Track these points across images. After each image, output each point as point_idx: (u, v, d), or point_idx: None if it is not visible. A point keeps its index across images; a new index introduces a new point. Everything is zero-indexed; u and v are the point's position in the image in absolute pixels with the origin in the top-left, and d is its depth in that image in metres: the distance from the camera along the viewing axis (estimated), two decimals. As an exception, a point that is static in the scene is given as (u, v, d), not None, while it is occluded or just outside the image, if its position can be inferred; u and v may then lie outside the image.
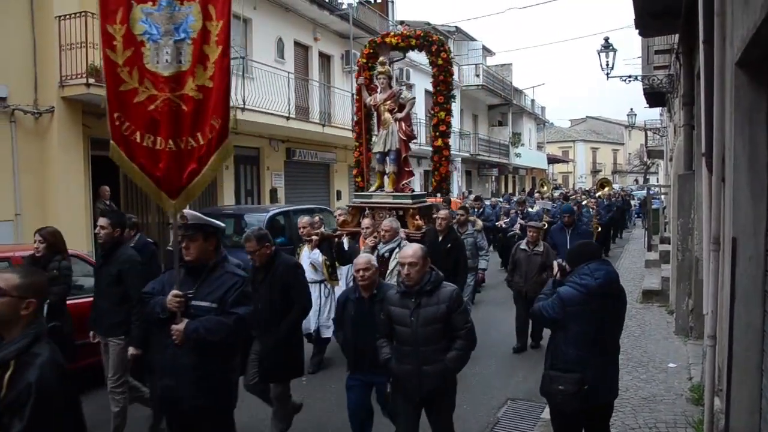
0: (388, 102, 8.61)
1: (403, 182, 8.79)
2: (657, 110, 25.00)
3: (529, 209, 13.93)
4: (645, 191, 25.35)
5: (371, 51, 9.69)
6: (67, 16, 10.64)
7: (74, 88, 10.68)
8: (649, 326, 9.24)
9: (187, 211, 3.93)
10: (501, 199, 21.92)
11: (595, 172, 61.70)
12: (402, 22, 20.38)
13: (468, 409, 6.27)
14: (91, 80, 10.49)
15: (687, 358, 7.41)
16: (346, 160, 20.05)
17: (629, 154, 64.03)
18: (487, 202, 18.35)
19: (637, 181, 54.23)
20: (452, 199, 19.96)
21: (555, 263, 4.64)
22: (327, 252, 7.47)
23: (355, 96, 9.95)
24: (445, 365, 4.20)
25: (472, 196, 18.46)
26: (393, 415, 4.68)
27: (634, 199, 32.01)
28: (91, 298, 5.81)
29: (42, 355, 2.51)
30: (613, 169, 66.10)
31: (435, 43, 9.39)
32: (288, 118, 15.50)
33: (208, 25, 3.81)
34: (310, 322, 7.17)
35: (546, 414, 5.91)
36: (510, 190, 40.35)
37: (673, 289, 9.89)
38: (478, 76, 32.36)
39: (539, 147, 49.18)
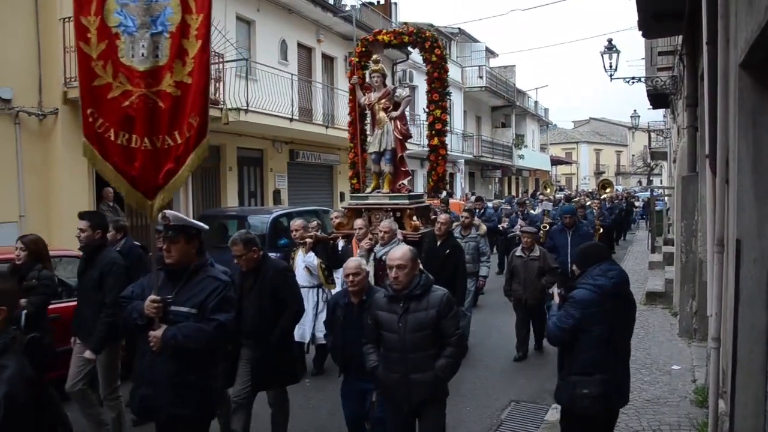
0: (383, 101, 8.45)
1: (400, 182, 8.62)
2: (660, 112, 24.97)
3: (531, 211, 13.74)
4: (648, 193, 25.32)
5: (364, 49, 9.51)
6: (71, 18, 10.64)
7: (78, 90, 10.70)
8: (652, 328, 9.22)
9: (168, 211, 3.79)
10: (503, 201, 21.73)
11: (598, 173, 61.61)
12: (405, 24, 20.38)
13: (471, 411, 6.27)
14: (95, 82, 10.50)
15: (691, 360, 7.39)
16: (349, 161, 20.07)
17: (633, 155, 63.95)
18: (489, 204, 18.32)
19: (640, 182, 54.18)
20: (455, 200, 20.03)
21: (555, 293, 4.50)
22: (322, 255, 7.25)
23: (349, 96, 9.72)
24: (435, 374, 4.00)
25: (473, 198, 18.43)
26: (374, 426, 4.54)
27: (638, 200, 31.92)
28: None
29: (9, 368, 2.44)
30: (616, 170, 66.03)
31: (428, 39, 9.19)
32: (291, 120, 15.51)
33: (187, 18, 3.65)
34: (305, 332, 7.01)
35: (550, 416, 5.92)
36: (513, 192, 40.35)
37: (677, 291, 9.86)
38: (481, 77, 32.38)
39: (542, 149, 49.18)
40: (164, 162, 3.70)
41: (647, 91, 15.41)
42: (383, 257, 6.49)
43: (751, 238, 3.51)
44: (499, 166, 37.17)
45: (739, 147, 3.62)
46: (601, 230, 13.43)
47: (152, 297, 3.61)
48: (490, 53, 36.36)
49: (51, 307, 5.46)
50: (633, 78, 15.30)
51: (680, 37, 8.96)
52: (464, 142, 31.10)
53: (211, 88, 13.32)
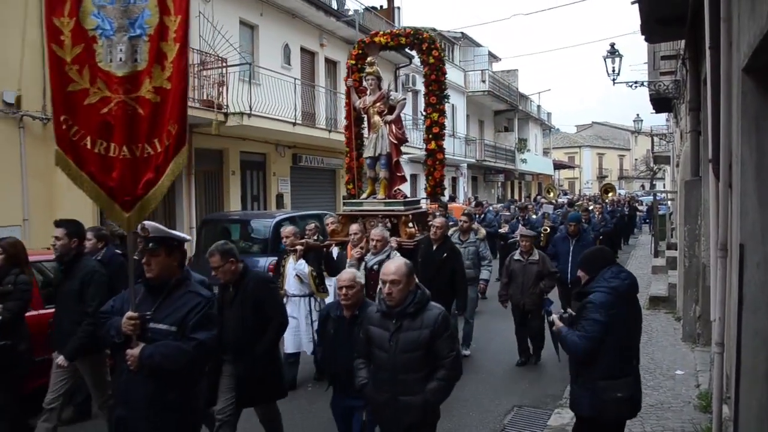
0: (378, 104, 8.21)
1: (396, 188, 8.42)
2: (663, 116, 24.96)
3: (533, 216, 13.57)
4: (651, 197, 25.29)
5: (360, 52, 9.26)
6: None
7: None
8: (656, 333, 9.19)
9: (148, 222, 3.62)
10: (501, 206, 21.54)
11: (601, 177, 61.61)
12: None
13: (474, 416, 6.26)
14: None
15: (694, 365, 7.36)
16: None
17: (635, 159, 63.96)
18: (491, 208, 18.26)
19: (643, 186, 54.14)
20: (457, 205, 20.01)
21: (555, 319, 4.34)
22: (314, 263, 6.97)
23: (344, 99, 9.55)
24: (425, 397, 3.75)
25: (474, 203, 18.37)
26: None
27: (641, 204, 31.85)
28: None
29: None
30: (619, 174, 66.00)
31: (425, 41, 8.93)
32: (294, 124, 15.52)
33: (165, 20, 3.47)
34: (301, 341, 6.85)
35: (553, 421, 5.91)
36: (516, 196, 40.33)
37: (680, 295, 9.84)
38: (484, 81, 32.41)
39: (545, 153, 49.18)
40: (143, 172, 3.52)
41: (650, 95, 15.44)
42: (374, 266, 6.34)
43: (755, 243, 3.50)
44: (502, 171, 37.18)
45: (742, 151, 3.62)
46: (601, 237, 13.23)
47: (129, 314, 3.43)
48: (492, 57, 36.38)
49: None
50: (636, 82, 15.35)
51: (683, 41, 8.95)
52: (467, 147, 31.11)
53: (215, 93, 13.54)
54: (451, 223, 9.47)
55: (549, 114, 49.12)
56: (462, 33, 31.88)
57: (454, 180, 31.60)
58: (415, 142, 17.91)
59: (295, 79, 16.27)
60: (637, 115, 29.37)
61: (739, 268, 3.69)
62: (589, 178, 63.82)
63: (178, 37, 3.48)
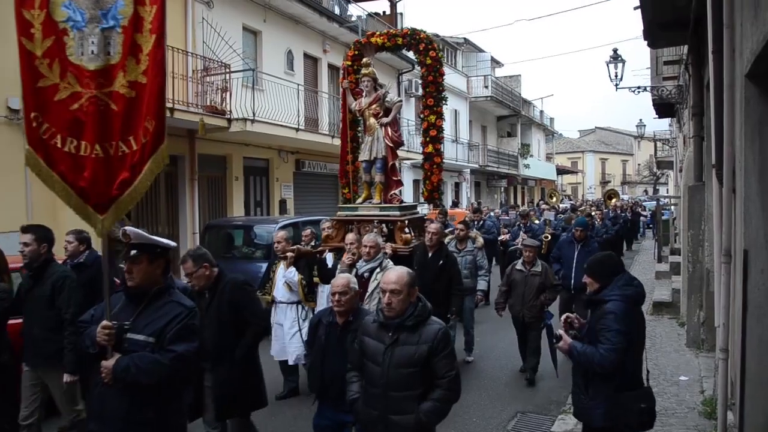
0: (373, 106, 8.00)
1: (392, 192, 8.19)
2: (666, 121, 24.94)
3: (535, 222, 13.28)
4: (655, 202, 25.25)
5: (356, 53, 9.01)
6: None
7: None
8: (659, 338, 9.17)
9: (130, 228, 3.46)
10: (500, 211, 21.29)
11: (604, 182, 61.56)
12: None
13: (478, 422, 6.25)
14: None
15: (699, 371, 7.34)
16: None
17: (639, 164, 63.88)
18: (492, 214, 18.09)
19: (646, 191, 54.05)
20: (460, 210, 19.99)
21: (562, 334, 4.11)
22: (304, 270, 6.76)
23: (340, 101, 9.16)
24: (418, 418, 3.48)
25: (472, 209, 18.15)
26: None
27: (645, 210, 31.78)
28: None
29: None
30: (622, 179, 65.95)
31: (423, 41, 8.64)
32: (297, 130, 15.55)
33: (140, 10, 3.29)
34: (285, 349, 6.72)
35: (557, 427, 5.89)
36: (519, 202, 40.32)
37: (684, 301, 9.82)
38: (486, 87, 32.44)
39: (548, 158, 49.17)
40: (118, 171, 3.33)
41: (653, 100, 15.42)
42: (365, 274, 6.20)
43: (759, 249, 3.50)
44: (505, 176, 37.17)
45: (745, 157, 3.62)
46: (603, 243, 13.09)
47: (104, 323, 3.26)
48: (495, 63, 36.45)
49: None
50: (639, 87, 15.33)
51: (685, 46, 8.96)
52: (470, 152, 31.12)
53: (218, 98, 13.58)
54: (447, 230, 9.18)
55: (552, 119, 49.12)
56: (465, 39, 31.94)
57: (457, 185, 31.61)
58: (418, 147, 17.92)
59: (298, 84, 16.31)
60: (640, 120, 29.29)
61: (743, 274, 3.69)
62: (592, 184, 63.78)
63: (154, 28, 3.31)
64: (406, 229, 7.70)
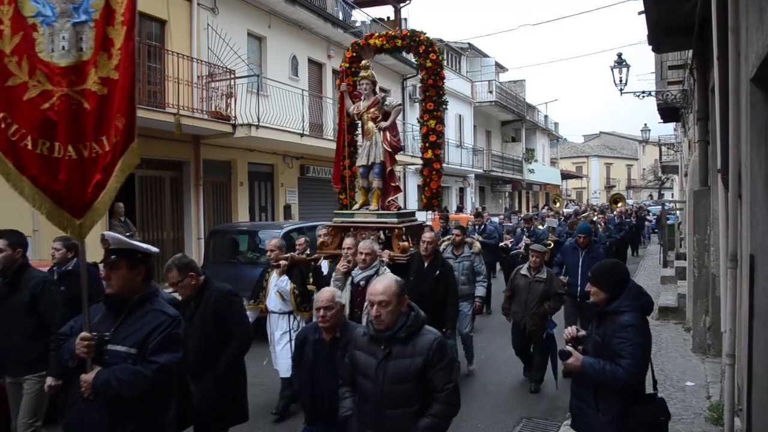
0: (372, 110, 7.73)
1: (390, 199, 7.94)
2: (671, 125, 24.92)
3: (539, 227, 13.09)
4: (660, 207, 25.20)
5: (354, 54, 8.75)
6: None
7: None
8: (665, 344, 9.12)
9: (107, 233, 3.29)
10: (502, 216, 21.08)
11: (609, 187, 61.48)
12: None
13: (483, 428, 6.23)
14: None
15: (705, 377, 7.30)
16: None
17: (643, 169, 63.83)
18: (496, 219, 17.94)
19: (651, 196, 53.96)
20: (464, 215, 19.96)
21: (571, 350, 3.83)
22: (298, 279, 6.51)
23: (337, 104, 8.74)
24: None
25: (473, 214, 18.02)
26: None
27: (649, 214, 31.69)
28: None
29: None
30: (627, 184, 65.86)
31: (423, 43, 8.37)
32: (302, 135, 15.58)
33: (111, 2, 3.12)
34: (275, 360, 6.56)
35: (562, 433, 5.85)
36: (524, 207, 40.29)
37: (689, 306, 9.78)
38: (491, 92, 32.46)
39: (553, 163, 49.13)
40: (92, 173, 3.15)
41: (657, 105, 15.41)
42: (361, 282, 5.97)
43: (765, 254, 3.48)
44: (510, 181, 37.15)
45: (751, 161, 3.61)
46: (609, 246, 13.01)
47: (83, 334, 3.10)
48: (499, 68, 36.47)
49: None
50: (643, 92, 15.33)
51: (690, 51, 8.95)
52: (474, 157, 31.12)
53: (223, 104, 13.63)
54: (445, 237, 9.03)
55: (556, 124, 49.13)
56: (469, 44, 31.97)
57: (462, 191, 31.60)
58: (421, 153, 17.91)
59: (302, 90, 16.34)
60: (645, 124, 29.37)
61: (749, 279, 3.67)
62: (597, 188, 63.71)
63: (125, 19, 3.14)
64: (404, 237, 7.45)
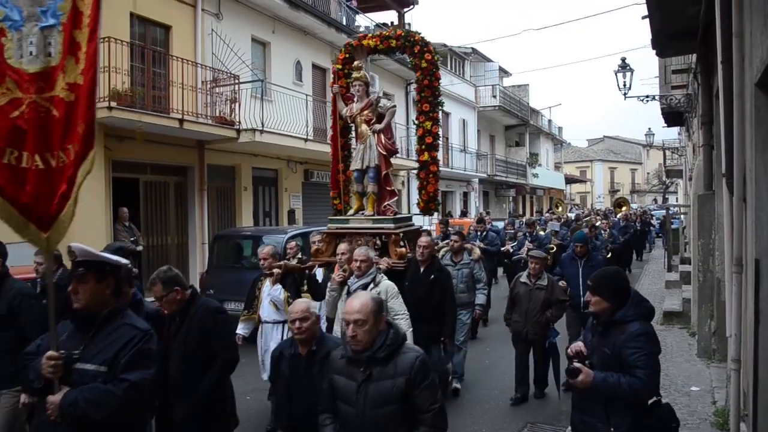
0: (365, 112, 7.50)
1: (385, 203, 7.72)
2: (675, 129, 24.87)
3: (540, 232, 12.72)
4: (664, 211, 25.12)
5: (347, 56, 8.50)
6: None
7: (97, 111, 10.84)
8: (670, 348, 9.09)
9: (74, 244, 3.13)
10: (506, 221, 20.94)
11: (613, 191, 61.42)
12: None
13: (487, 432, 6.22)
14: (113, 103, 10.65)
15: (710, 382, 7.28)
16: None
17: (648, 173, 63.67)
18: (500, 224, 17.77)
19: (656, 200, 53.84)
20: (468, 220, 19.92)
21: (578, 366, 3.65)
22: (292, 287, 6.32)
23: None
24: None
25: (477, 218, 17.89)
26: None
27: (653, 219, 31.59)
28: None
29: None
30: (631, 188, 65.78)
31: (417, 43, 8.12)
32: (306, 140, 15.61)
33: (78, 4, 3.01)
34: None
35: (567, 438, 5.83)
36: (528, 211, 40.25)
37: (694, 310, 9.75)
38: (494, 96, 32.49)
39: (557, 167, 49.09)
40: (58, 184, 3.02)
41: (661, 109, 15.39)
42: (357, 291, 5.60)
43: (770, 258, 3.48)
44: (513, 185, 37.15)
45: (756, 166, 3.61)
46: (610, 255, 12.87)
47: (49, 353, 2.93)
48: (503, 72, 36.49)
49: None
50: (647, 96, 15.33)
51: (694, 55, 8.95)
52: (478, 161, 31.13)
53: (227, 109, 13.68)
54: (444, 242, 8.88)
55: (560, 128, 49.09)
56: (473, 48, 32.01)
57: (466, 195, 31.60)
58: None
59: (306, 95, 16.37)
60: (649, 128, 29.15)
61: (755, 283, 3.66)
62: (601, 193, 63.64)
63: (91, 21, 3.03)
64: (401, 243, 7.23)
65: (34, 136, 2.96)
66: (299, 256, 7.40)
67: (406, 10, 24.54)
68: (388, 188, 7.79)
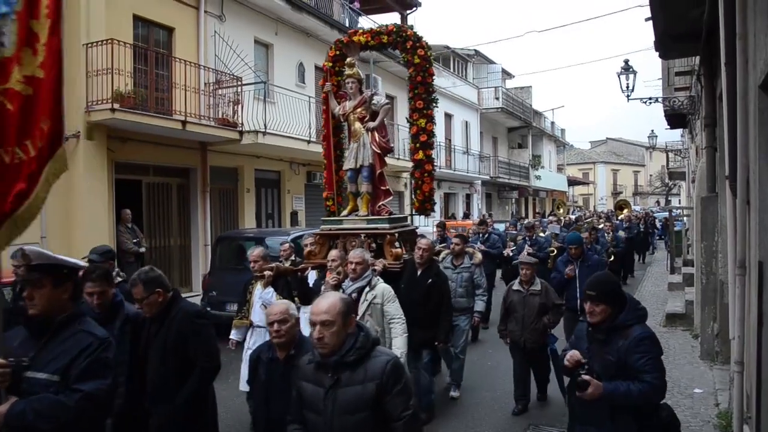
0: (359, 109, 7.30)
1: (380, 203, 7.49)
2: (678, 131, 24.85)
3: (540, 235, 12.39)
4: (667, 213, 25.10)
5: (338, 53, 8.25)
6: (94, 44, 10.87)
7: (100, 113, 10.88)
8: (673, 350, 9.08)
9: (28, 248, 2.96)
10: (508, 223, 20.86)
11: (615, 194, 61.37)
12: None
13: (490, 434, 6.21)
14: (116, 105, 10.67)
15: (713, 384, 7.26)
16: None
17: (650, 175, 63.64)
18: (501, 227, 17.66)
19: (658, 202, 53.78)
20: (470, 221, 19.91)
21: (588, 379, 3.50)
22: (284, 290, 6.19)
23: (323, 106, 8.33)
24: None
25: (479, 220, 17.76)
26: None
27: (656, 221, 31.51)
28: None
29: None
30: (634, 190, 65.76)
31: (410, 38, 7.88)
32: (309, 142, 15.62)
33: None
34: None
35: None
36: (530, 213, 40.24)
37: (697, 312, 9.74)
38: (497, 98, 32.51)
39: (559, 169, 49.09)
40: (14, 181, 2.85)
41: (664, 111, 15.38)
42: (353, 294, 5.60)
43: (774, 260, 3.47)
44: (516, 187, 37.13)
45: (759, 168, 3.60)
46: (612, 257, 12.82)
47: None
48: (506, 74, 36.52)
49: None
50: (650, 98, 15.29)
51: (697, 57, 8.94)
52: (481, 163, 31.13)
53: (230, 111, 13.70)
54: (442, 245, 8.75)
55: (563, 130, 49.08)
56: (475, 50, 32.03)
57: (468, 197, 31.59)
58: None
59: (309, 97, 16.39)
60: (652, 131, 29.26)
61: (758, 286, 3.66)
62: (604, 195, 63.59)
63: (50, 11, 2.90)
64: (397, 243, 7.01)
65: None
66: (293, 258, 7.35)
67: (408, 12, 24.54)
68: (382, 188, 7.57)
